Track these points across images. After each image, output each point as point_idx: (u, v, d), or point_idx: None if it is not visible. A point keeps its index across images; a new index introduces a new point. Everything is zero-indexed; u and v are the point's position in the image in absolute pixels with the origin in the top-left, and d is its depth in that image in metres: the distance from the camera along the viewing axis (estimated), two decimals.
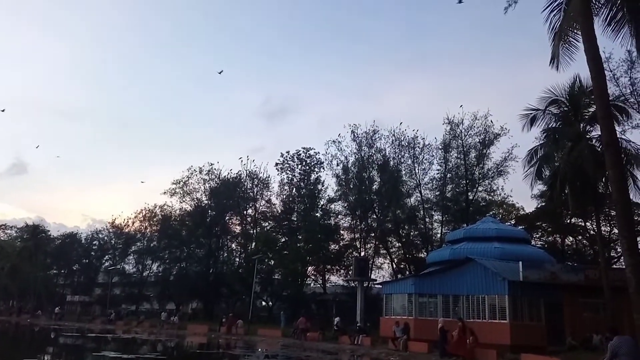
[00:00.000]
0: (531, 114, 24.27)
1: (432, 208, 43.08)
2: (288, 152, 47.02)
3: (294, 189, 46.67)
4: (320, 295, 43.74)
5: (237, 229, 51.20)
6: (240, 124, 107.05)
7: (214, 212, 51.08)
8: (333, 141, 44.90)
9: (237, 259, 48.90)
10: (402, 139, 43.28)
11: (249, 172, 50.19)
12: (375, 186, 44.81)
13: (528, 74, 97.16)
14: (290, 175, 46.36)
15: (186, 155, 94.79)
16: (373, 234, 44.15)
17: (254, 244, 45.68)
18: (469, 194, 41.73)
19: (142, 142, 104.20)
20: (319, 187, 46.44)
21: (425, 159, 42.89)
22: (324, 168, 45.82)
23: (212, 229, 50.89)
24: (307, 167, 46.33)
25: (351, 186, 44.66)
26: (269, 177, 49.62)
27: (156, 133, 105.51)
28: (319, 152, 46.72)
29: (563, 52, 15.50)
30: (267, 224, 48.91)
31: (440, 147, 42.63)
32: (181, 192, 51.38)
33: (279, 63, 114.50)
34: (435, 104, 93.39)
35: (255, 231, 48.27)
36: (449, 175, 42.58)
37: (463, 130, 41.78)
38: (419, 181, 42.85)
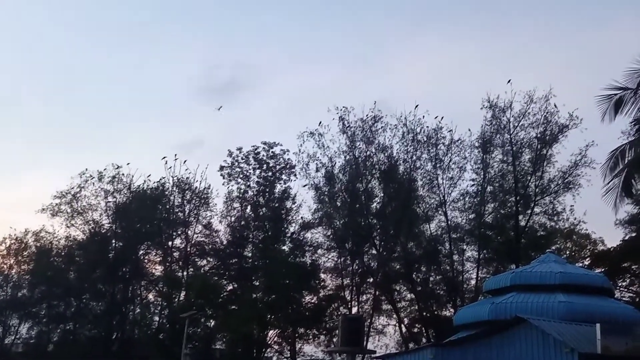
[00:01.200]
0: (615, 95, 24.57)
1: (464, 239, 43.64)
2: (240, 149, 47.20)
3: (249, 207, 47.55)
4: None
5: (158, 269, 51.19)
6: (166, 105, 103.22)
7: (121, 242, 50.93)
8: (311, 133, 44.87)
9: (157, 318, 48.81)
10: (419, 131, 43.83)
11: (178, 179, 49.66)
12: (375, 204, 45.49)
13: (612, 34, 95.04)
14: (242, 186, 47.02)
15: (78, 153, 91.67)
16: (371, 279, 44.65)
17: (183, 293, 46.09)
18: (520, 217, 42.29)
19: (4, 131, 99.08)
20: (288, 204, 47.25)
21: (454, 163, 43.54)
22: (295, 175, 46.46)
23: (118, 270, 50.38)
24: (270, 174, 46.90)
25: (338, 204, 45.30)
26: (209, 188, 49.49)
27: (31, 118, 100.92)
28: (288, 151, 46.95)
29: None
30: (204, 262, 49.33)
31: (476, 144, 43.22)
32: (68, 210, 51.07)
33: (230, 12, 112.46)
34: (469, 77, 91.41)
35: (186, 273, 48.07)
36: (489, 189, 43.33)
37: (512, 119, 42.25)
38: (444, 197, 43.51)
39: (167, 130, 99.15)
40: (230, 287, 47.20)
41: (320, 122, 44.49)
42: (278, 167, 47.06)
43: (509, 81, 41.14)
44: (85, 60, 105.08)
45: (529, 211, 42.10)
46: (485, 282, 34.33)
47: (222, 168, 47.13)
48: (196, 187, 49.39)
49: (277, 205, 46.91)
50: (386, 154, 44.43)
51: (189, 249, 49.40)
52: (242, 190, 47.23)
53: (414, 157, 43.90)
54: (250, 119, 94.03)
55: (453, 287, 42.48)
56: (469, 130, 43.12)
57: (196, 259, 49.78)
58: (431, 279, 44.27)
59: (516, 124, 41.99)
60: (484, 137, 42.70)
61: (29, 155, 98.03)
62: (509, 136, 42.18)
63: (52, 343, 52.10)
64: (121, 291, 51.70)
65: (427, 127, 43.47)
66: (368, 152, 44.58)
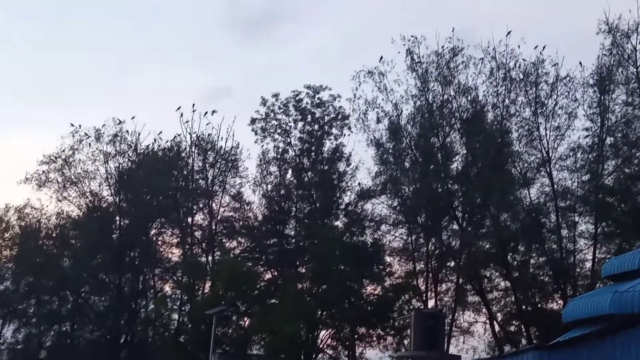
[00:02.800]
0: None
1: (575, 208, 43.14)
2: (277, 95, 47.96)
3: (290, 171, 48.40)
4: None
5: (175, 254, 52.04)
6: (184, 44, 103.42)
7: (127, 220, 51.91)
8: (369, 72, 44.93)
9: (176, 316, 48.98)
10: (513, 65, 43.36)
11: (198, 137, 50.57)
12: (456, 164, 45.77)
13: None
14: (281, 144, 47.96)
15: (71, 106, 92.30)
16: (453, 263, 44.86)
17: (208, 284, 46.77)
18: None
19: None
20: (341, 167, 47.96)
21: (561, 107, 43.09)
22: (350, 128, 47.29)
23: (125, 255, 51.41)
24: (317, 127, 47.73)
25: (407, 165, 45.59)
26: (237, 147, 50.47)
27: (13, 61, 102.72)
28: (339, 96, 47.65)
29: None
30: (234, 243, 50.10)
31: (591, 81, 42.58)
32: (59, 179, 51.98)
33: None
34: None
35: (211, 259, 48.87)
36: (609, 141, 42.79)
37: (639, 47, 41.07)
38: (548, 153, 43.15)
39: (184, 76, 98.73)
40: (268, 276, 47.98)
41: (381, 58, 44.55)
42: (327, 118, 47.70)
43: None
44: None
45: None
46: (605, 264, 33.15)
47: (253, 121, 47.82)
48: (221, 147, 50.14)
49: (326, 168, 47.61)
50: (469, 98, 44.34)
51: (214, 227, 49.98)
52: (280, 150, 47.98)
53: (507, 101, 43.60)
54: (291, 60, 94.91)
55: (561, 272, 42.39)
56: (581, 63, 42.46)
57: (224, 240, 50.50)
58: (532, 261, 44.32)
59: None
60: (601, 72, 42.20)
61: (7, 110, 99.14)
62: (635, 70, 41.54)
63: (44, 349, 53.28)
64: (129, 282, 52.66)
65: (524, 60, 43.03)
66: (445, 96, 44.48)
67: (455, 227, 45.10)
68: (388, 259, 46.60)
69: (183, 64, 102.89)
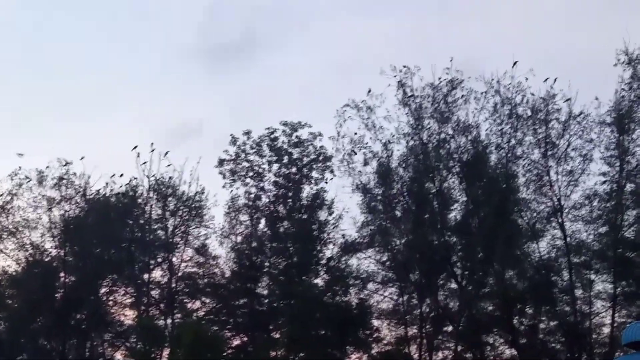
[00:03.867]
0: None
1: (591, 265, 42.78)
2: (249, 133, 47.64)
3: (263, 220, 48.01)
4: None
5: (128, 316, 51.00)
6: (145, 75, 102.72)
7: (74, 276, 50.73)
8: (356, 107, 44.86)
9: None
10: (519, 101, 43.25)
11: (157, 181, 49.64)
12: (455, 213, 45.52)
13: None
14: (253, 189, 47.75)
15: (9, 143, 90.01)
16: (451, 328, 44.36)
17: (167, 351, 46.08)
18: None
19: None
20: (322, 215, 47.56)
21: (575, 149, 42.85)
22: (333, 171, 47.01)
23: (69, 317, 50.03)
24: (295, 170, 47.40)
25: (398, 213, 45.27)
26: (202, 193, 49.67)
27: None
28: (321, 135, 47.49)
29: None
30: (198, 303, 49.31)
31: (609, 119, 42.14)
32: None
33: None
34: (592, 18, 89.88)
35: (170, 322, 47.85)
36: (629, 187, 42.51)
37: None
38: (560, 201, 42.75)
39: (145, 111, 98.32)
40: (237, 342, 47.40)
41: (369, 91, 44.34)
42: (306, 159, 47.47)
43: None
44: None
45: None
46: (626, 330, 31.58)
47: (221, 162, 47.55)
48: (184, 192, 49.54)
49: (305, 217, 47.08)
50: (470, 137, 44.17)
51: (174, 285, 49.41)
52: (252, 196, 47.61)
53: (513, 141, 43.42)
54: (267, 94, 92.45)
55: (576, 338, 41.83)
56: (597, 99, 42.15)
57: (186, 300, 49.85)
58: (542, 326, 43.86)
59: None
60: (619, 109, 41.80)
61: None
62: None
63: None
64: (75, 349, 51.45)
65: (532, 95, 43.12)
66: (442, 135, 44.40)
67: (454, 285, 44.78)
68: (376, 322, 46.19)
69: (143, 97, 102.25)
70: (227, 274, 48.69)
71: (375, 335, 45.72)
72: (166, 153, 48.82)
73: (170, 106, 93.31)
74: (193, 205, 49.71)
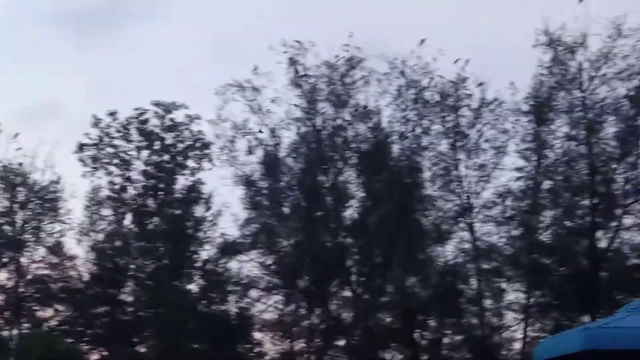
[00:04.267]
0: None
1: (502, 271, 40.93)
2: (114, 114, 45.35)
3: (129, 215, 46.15)
4: None
5: None
6: None
7: None
8: (239, 87, 42.22)
9: None
10: (427, 84, 41.04)
11: (5, 168, 46.55)
12: (351, 210, 43.34)
13: None
14: (118, 179, 45.51)
15: None
16: (344, 341, 42.94)
17: None
18: (599, 234, 39.43)
19: None
20: (198, 211, 45.80)
21: (487, 140, 40.87)
22: (211, 160, 45.01)
23: None
24: (168, 157, 45.68)
25: (286, 210, 43.61)
26: (58, 183, 46.51)
27: None
28: (199, 118, 45.42)
29: None
30: (50, 311, 46.24)
31: (525, 107, 40.32)
32: None
33: None
34: None
35: (16, 333, 45.51)
36: (546, 184, 40.76)
37: (587, 65, 38.91)
38: (469, 199, 41.25)
39: None
40: (95, 357, 44.89)
41: (255, 68, 41.81)
42: (181, 145, 45.50)
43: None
44: None
45: (615, 224, 39.69)
46: (538, 346, 29.85)
47: (82, 147, 44.91)
48: (36, 182, 46.40)
49: (179, 212, 45.25)
50: (370, 124, 42.25)
51: (22, 290, 46.52)
52: (117, 187, 45.48)
53: (419, 130, 41.48)
54: (138, 69, 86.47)
55: (484, 354, 40.12)
56: (513, 84, 40.18)
57: (35, 307, 46.75)
58: (446, 339, 42.30)
59: (594, 73, 39.00)
60: (538, 96, 40.04)
61: None
62: (580, 94, 39.28)
63: None
64: None
65: (441, 78, 40.77)
66: (339, 121, 42.32)
67: (348, 293, 42.87)
68: (258, 334, 44.64)
69: None
70: (86, 277, 46.20)
71: (257, 350, 44.57)
72: (16, 135, 45.81)
73: (22, 81, 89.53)
74: (47, 197, 46.79)
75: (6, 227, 46.78)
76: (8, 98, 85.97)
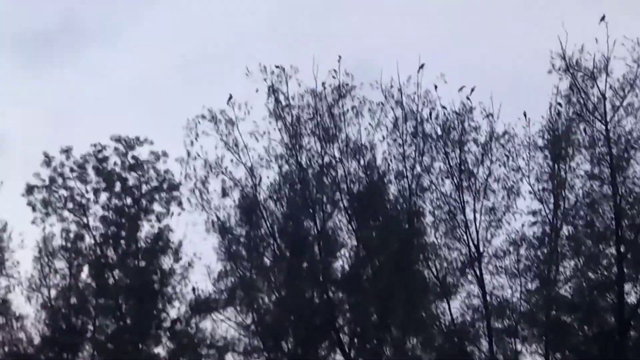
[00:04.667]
0: None
1: (517, 330, 38.39)
2: (68, 151, 42.82)
3: (87, 267, 43.42)
4: None
5: None
6: None
7: None
8: (212, 118, 40.07)
9: None
10: (428, 115, 39.53)
11: None
12: (342, 262, 40.85)
13: None
14: (74, 225, 42.76)
15: None
16: None
17: None
18: (628, 287, 37.26)
19: None
20: (167, 262, 42.94)
21: (498, 180, 38.95)
22: (181, 204, 42.40)
23: None
24: (131, 201, 43.15)
25: (267, 261, 40.81)
26: (5, 230, 43.31)
27: None
28: (166, 155, 42.90)
29: None
30: None
31: (541, 142, 38.66)
32: None
33: None
34: (521, 12, 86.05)
35: None
36: (566, 230, 38.88)
37: (609, 93, 36.96)
38: (477, 247, 38.94)
39: None
40: None
41: (230, 98, 39.52)
42: (146, 187, 42.83)
43: (602, 18, 36.54)
44: None
45: None
46: None
47: (31, 189, 42.21)
48: None
49: (143, 264, 42.51)
50: (363, 162, 39.89)
51: None
52: (72, 235, 42.65)
53: (419, 168, 39.50)
54: (95, 97, 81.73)
55: None
56: (525, 115, 38.71)
57: None
58: None
59: (618, 102, 36.83)
60: (554, 129, 38.39)
61: None
62: (603, 126, 37.01)
63: None
64: None
65: (444, 108, 39.08)
66: (327, 158, 39.93)
67: (340, 358, 40.14)
68: None
69: None
70: (37, 340, 43.26)
71: None
72: None
73: None
74: None
75: None
76: None
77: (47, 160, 42.24)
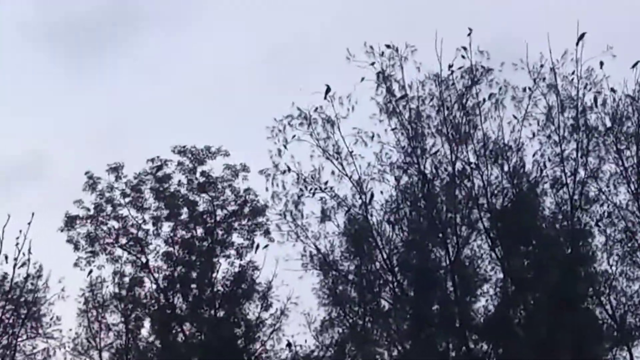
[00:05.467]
0: None
1: None
2: (118, 168, 38.78)
3: (148, 320, 38.95)
4: None
5: None
6: None
7: None
8: (304, 119, 34.75)
9: None
10: (594, 102, 34.29)
11: None
12: (484, 301, 35.95)
13: None
14: (130, 266, 38.49)
15: None
16: None
17: None
18: None
19: None
20: (252, 310, 38.67)
21: None
22: (269, 233, 37.86)
23: None
24: (202, 231, 38.74)
25: (385, 301, 35.88)
26: (39, 276, 37.83)
27: None
28: (247, 169, 38.75)
29: None
30: None
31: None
32: None
33: None
34: None
35: None
36: None
37: None
38: None
39: None
40: None
41: (328, 90, 33.44)
42: (221, 212, 38.39)
43: None
44: None
45: None
46: None
47: (72, 221, 37.47)
48: (5, 277, 37.64)
49: (222, 314, 37.94)
50: (508, 167, 33.95)
51: None
52: (126, 280, 38.34)
53: (583, 173, 34.10)
54: (153, 99, 78.90)
55: None
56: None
57: None
58: None
59: None
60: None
61: None
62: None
63: None
64: None
65: (613, 91, 33.20)
66: (458, 164, 34.27)
67: None
68: None
69: None
70: None
71: None
72: None
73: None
74: (23, 300, 37.88)
75: None
76: None
77: (92, 183, 37.77)
